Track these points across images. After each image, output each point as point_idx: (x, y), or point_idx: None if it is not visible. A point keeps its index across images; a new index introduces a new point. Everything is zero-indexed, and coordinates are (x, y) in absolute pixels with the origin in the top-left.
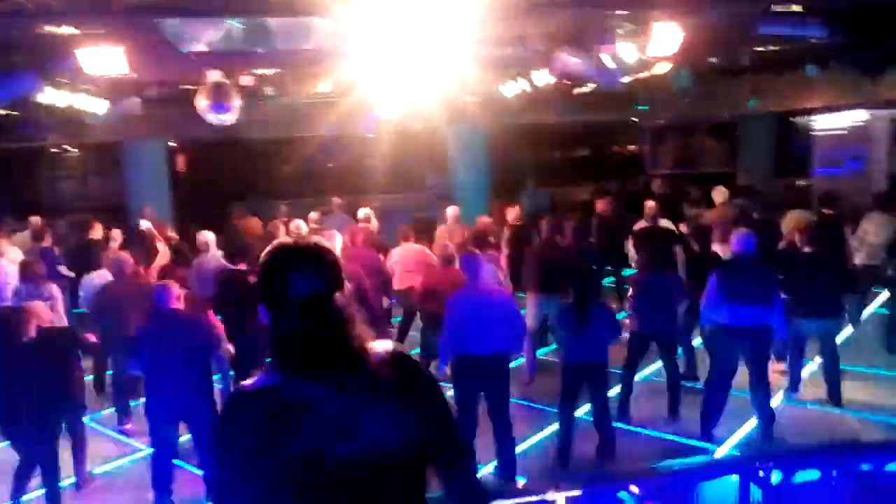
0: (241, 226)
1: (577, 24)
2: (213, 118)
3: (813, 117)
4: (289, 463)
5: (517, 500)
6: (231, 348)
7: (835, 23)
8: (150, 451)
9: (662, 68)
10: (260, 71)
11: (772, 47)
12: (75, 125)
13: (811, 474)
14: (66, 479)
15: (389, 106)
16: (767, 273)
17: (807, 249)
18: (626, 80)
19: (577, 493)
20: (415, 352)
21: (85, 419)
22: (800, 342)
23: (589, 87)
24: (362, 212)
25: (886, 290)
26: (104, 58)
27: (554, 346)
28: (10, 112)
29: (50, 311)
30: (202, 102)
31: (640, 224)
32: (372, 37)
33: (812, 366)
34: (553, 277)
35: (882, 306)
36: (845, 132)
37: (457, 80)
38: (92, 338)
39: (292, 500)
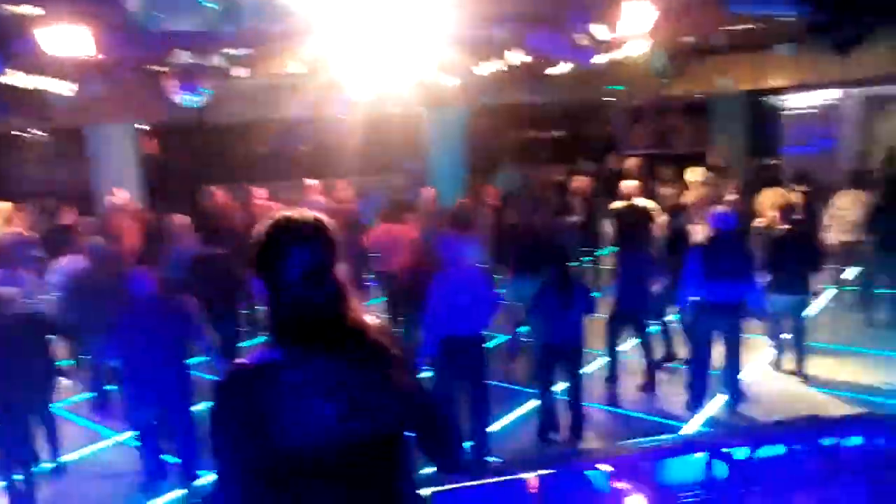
0: (211, 208)
1: (551, 3)
2: (182, 100)
3: (785, 96)
4: (295, 437)
5: (490, 480)
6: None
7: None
8: (124, 438)
9: (637, 49)
10: (230, 51)
11: (743, 26)
12: (39, 108)
13: (776, 449)
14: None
15: (361, 87)
16: (745, 250)
17: (782, 227)
18: (600, 60)
19: (549, 472)
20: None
21: (58, 405)
22: (775, 317)
23: (564, 68)
24: (340, 192)
25: (863, 265)
26: (68, 38)
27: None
28: None
29: (22, 296)
30: (171, 84)
31: (617, 203)
32: (344, 16)
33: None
34: (531, 258)
35: (854, 283)
36: (816, 111)
37: (431, 61)
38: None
39: (297, 473)
